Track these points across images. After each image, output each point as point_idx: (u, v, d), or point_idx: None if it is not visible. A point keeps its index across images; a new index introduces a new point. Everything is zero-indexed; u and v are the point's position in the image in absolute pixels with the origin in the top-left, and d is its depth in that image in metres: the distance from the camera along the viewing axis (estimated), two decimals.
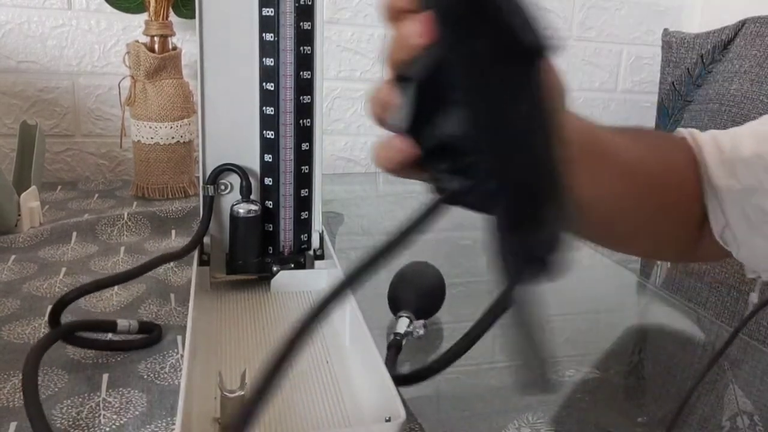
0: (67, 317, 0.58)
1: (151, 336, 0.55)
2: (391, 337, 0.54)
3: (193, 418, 0.42)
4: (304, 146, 0.63)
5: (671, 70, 1.17)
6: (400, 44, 0.29)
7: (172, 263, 0.69)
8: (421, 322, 0.56)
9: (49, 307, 0.52)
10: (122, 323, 0.54)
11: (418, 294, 0.60)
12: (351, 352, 0.52)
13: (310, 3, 0.59)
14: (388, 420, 0.39)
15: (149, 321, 0.57)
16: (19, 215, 0.76)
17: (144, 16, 0.91)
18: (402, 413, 0.39)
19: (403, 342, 0.54)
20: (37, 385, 0.44)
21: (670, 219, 0.53)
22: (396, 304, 0.59)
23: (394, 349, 0.52)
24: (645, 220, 0.52)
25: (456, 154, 0.28)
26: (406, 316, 0.56)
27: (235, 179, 0.63)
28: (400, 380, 0.47)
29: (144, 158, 0.92)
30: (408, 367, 0.52)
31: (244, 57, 0.61)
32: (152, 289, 0.64)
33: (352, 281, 0.27)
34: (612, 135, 0.48)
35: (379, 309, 0.60)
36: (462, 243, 0.91)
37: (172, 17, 0.93)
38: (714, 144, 0.51)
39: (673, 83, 1.16)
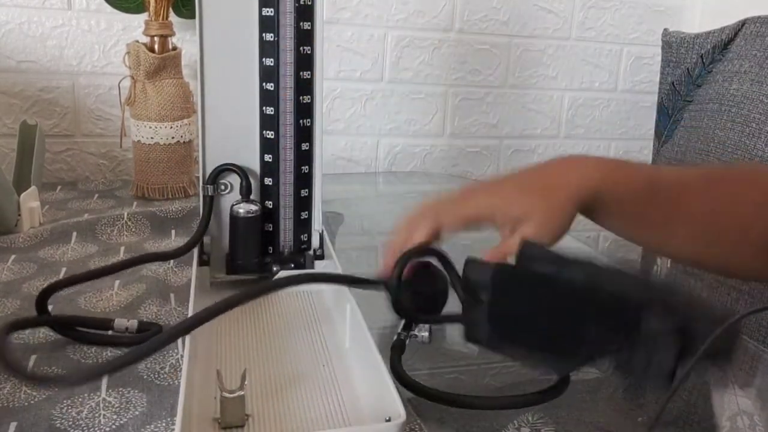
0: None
1: (149, 335, 0.55)
2: (395, 337, 0.53)
3: (193, 418, 0.42)
4: (304, 146, 0.63)
5: (671, 70, 1.17)
6: None
7: (171, 263, 0.69)
8: (427, 326, 0.54)
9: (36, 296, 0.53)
10: (120, 323, 0.54)
11: (424, 296, 0.57)
12: (351, 353, 0.52)
13: (310, 3, 0.59)
14: (388, 420, 0.39)
15: (150, 321, 0.57)
16: (19, 215, 0.76)
17: (144, 16, 0.91)
18: (402, 413, 0.39)
19: (407, 342, 0.53)
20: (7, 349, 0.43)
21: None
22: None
23: (397, 350, 0.51)
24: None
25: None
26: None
27: (235, 179, 0.63)
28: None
29: (144, 158, 0.92)
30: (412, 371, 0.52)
31: (244, 57, 0.61)
32: (152, 289, 0.64)
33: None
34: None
35: (379, 309, 0.59)
36: (462, 243, 0.90)
37: (172, 17, 0.93)
38: None
39: (673, 83, 1.16)
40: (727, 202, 0.58)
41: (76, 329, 0.54)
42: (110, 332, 0.54)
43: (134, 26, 1.04)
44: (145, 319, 0.58)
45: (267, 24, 0.59)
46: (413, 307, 0.52)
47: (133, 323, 0.54)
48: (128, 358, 0.40)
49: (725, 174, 0.63)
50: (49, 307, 0.55)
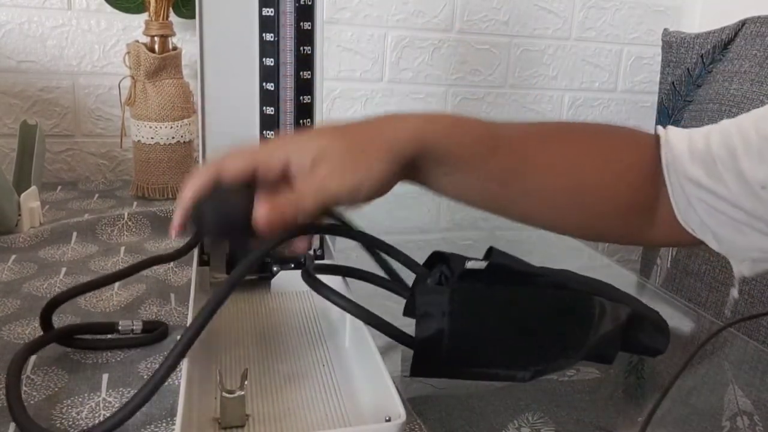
0: (67, 317, 0.58)
1: (156, 333, 0.55)
2: None
3: (193, 418, 0.42)
4: None
5: (671, 70, 1.17)
6: None
7: (171, 263, 0.69)
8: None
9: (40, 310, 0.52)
10: (125, 324, 0.54)
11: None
12: (351, 353, 0.52)
13: (310, 3, 0.59)
14: (388, 420, 0.39)
15: (155, 320, 0.57)
16: (19, 215, 0.76)
17: (144, 16, 0.91)
18: (402, 413, 0.39)
19: None
20: (21, 389, 0.45)
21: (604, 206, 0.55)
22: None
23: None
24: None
25: None
26: None
27: None
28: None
29: (144, 158, 0.92)
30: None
31: (244, 57, 0.61)
32: (152, 289, 0.64)
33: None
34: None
35: (378, 309, 0.59)
36: (462, 243, 0.90)
37: (172, 17, 0.93)
38: (688, 140, 0.54)
39: (673, 83, 1.16)
40: (590, 158, 0.54)
41: (83, 339, 0.54)
42: (115, 334, 0.54)
43: (134, 26, 1.04)
44: (144, 320, 0.58)
45: (267, 24, 0.59)
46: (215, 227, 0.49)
47: (138, 323, 0.54)
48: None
49: (593, 129, 0.58)
50: None
